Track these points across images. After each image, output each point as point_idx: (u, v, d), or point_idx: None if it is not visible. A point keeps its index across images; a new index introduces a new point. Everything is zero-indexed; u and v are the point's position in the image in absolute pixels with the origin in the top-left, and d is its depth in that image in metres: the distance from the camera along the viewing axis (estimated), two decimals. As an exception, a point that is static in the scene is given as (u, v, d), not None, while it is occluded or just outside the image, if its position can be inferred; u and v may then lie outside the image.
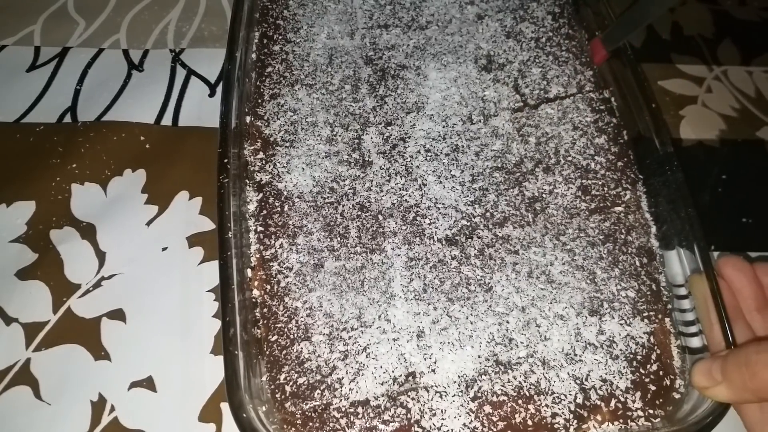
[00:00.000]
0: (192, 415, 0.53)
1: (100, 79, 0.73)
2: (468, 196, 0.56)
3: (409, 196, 0.56)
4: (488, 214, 0.55)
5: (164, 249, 0.61)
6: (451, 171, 0.57)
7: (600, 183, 0.56)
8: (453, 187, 0.56)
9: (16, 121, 0.69)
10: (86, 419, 0.52)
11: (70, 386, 0.54)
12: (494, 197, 0.56)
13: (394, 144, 0.59)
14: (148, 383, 0.54)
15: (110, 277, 0.59)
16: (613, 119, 0.59)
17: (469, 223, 0.54)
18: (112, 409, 0.53)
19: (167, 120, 0.69)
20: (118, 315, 0.57)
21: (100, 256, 0.60)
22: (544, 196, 0.56)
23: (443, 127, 0.60)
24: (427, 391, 0.47)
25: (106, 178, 0.65)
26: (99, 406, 0.53)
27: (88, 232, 0.62)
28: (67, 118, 0.70)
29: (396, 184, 0.56)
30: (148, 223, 0.62)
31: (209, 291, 0.58)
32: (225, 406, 0.53)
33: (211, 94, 0.72)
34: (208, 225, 0.62)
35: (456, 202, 0.55)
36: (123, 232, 0.62)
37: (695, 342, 0.50)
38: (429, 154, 0.58)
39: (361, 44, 0.66)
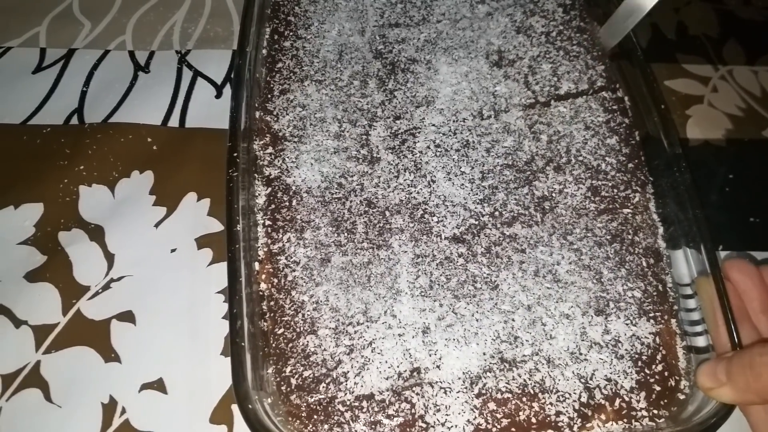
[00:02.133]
0: (203, 417, 0.53)
1: (107, 80, 0.73)
2: (477, 194, 0.56)
3: (418, 193, 0.56)
4: (497, 213, 0.55)
5: (173, 251, 0.61)
6: (461, 168, 0.57)
7: (610, 185, 0.56)
8: (462, 184, 0.56)
9: (22, 123, 0.70)
10: (97, 421, 0.53)
11: (81, 388, 0.54)
12: (504, 196, 0.56)
13: (403, 139, 0.59)
14: (159, 385, 0.54)
15: (119, 278, 0.59)
16: (626, 119, 0.59)
17: (477, 222, 0.54)
18: (123, 411, 0.53)
19: (174, 121, 0.70)
20: (127, 317, 0.57)
21: (109, 258, 0.61)
22: (554, 195, 0.56)
23: (453, 122, 0.59)
24: (432, 387, 0.48)
25: (113, 179, 0.66)
26: (110, 408, 0.53)
27: (96, 233, 0.62)
28: (74, 120, 0.70)
29: (404, 180, 0.56)
30: (157, 225, 0.63)
31: (218, 292, 0.58)
32: (236, 408, 0.52)
33: (218, 96, 0.72)
34: (217, 226, 0.62)
35: (465, 200, 0.55)
36: (131, 233, 0.62)
37: (700, 341, 0.50)
38: (439, 149, 0.58)
39: (371, 38, 0.66)
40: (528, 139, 0.58)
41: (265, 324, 0.51)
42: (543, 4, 0.66)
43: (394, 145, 0.58)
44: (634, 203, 0.56)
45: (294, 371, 0.48)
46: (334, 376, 0.48)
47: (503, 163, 0.57)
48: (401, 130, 0.59)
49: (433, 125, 0.59)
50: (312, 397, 0.47)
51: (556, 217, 0.55)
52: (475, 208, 0.55)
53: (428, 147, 0.58)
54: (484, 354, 0.49)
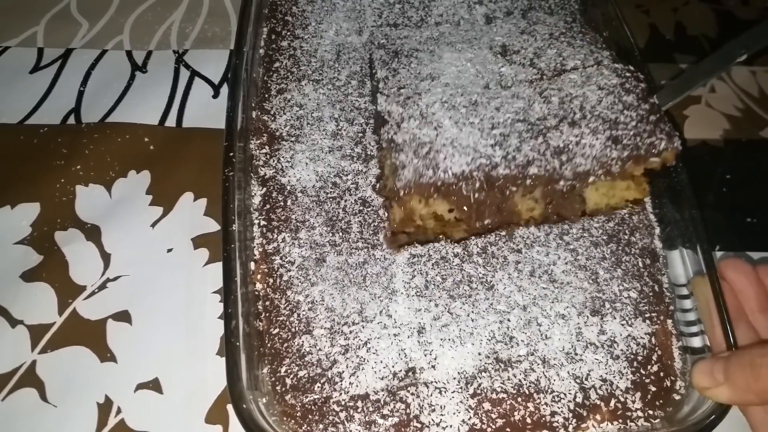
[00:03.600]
0: (198, 417, 0.53)
1: (104, 80, 0.74)
2: (488, 140, 0.51)
3: (424, 135, 0.52)
4: (510, 156, 0.51)
5: (169, 250, 0.61)
6: (469, 119, 0.53)
7: (632, 133, 0.52)
8: (471, 132, 0.52)
9: (20, 123, 0.70)
10: (93, 421, 0.53)
11: (76, 388, 0.54)
12: (517, 142, 0.51)
13: (407, 96, 0.55)
14: (155, 385, 0.54)
15: (115, 278, 0.60)
16: (641, 84, 0.55)
17: (488, 162, 0.50)
18: (119, 410, 0.53)
19: (171, 121, 0.70)
20: (123, 317, 0.57)
21: (105, 257, 0.61)
22: (570, 147, 0.52)
23: (460, 95, 0.56)
24: (427, 387, 0.48)
25: (110, 179, 0.66)
26: (105, 407, 0.53)
27: (92, 233, 0.62)
28: (71, 120, 0.70)
29: (409, 125, 0.53)
30: (153, 225, 0.63)
31: (214, 292, 0.59)
32: (232, 408, 0.53)
33: (215, 95, 0.72)
34: (213, 226, 0.63)
35: (475, 144, 0.51)
36: (128, 233, 0.62)
37: (696, 342, 0.50)
38: (446, 104, 0.54)
39: (372, 36, 0.65)
40: (538, 102, 0.54)
41: (260, 324, 0.51)
42: (545, 20, 0.65)
43: (399, 100, 0.55)
44: (660, 150, 0.51)
45: (289, 371, 0.48)
46: (329, 376, 0.48)
47: (514, 118, 0.53)
48: (407, 96, 0.56)
49: (439, 90, 0.56)
50: (307, 396, 0.47)
51: (575, 166, 0.51)
52: (486, 150, 0.51)
53: (434, 102, 0.54)
54: (480, 354, 0.49)
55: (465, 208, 0.52)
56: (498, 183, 0.51)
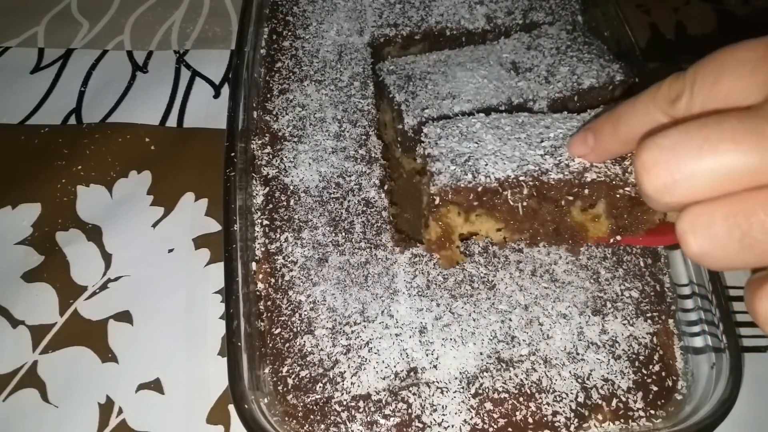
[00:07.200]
0: (200, 417, 0.53)
1: (105, 80, 0.74)
2: (537, 150, 0.44)
3: (463, 147, 0.46)
4: (563, 164, 0.43)
5: (170, 251, 0.61)
6: (515, 135, 0.46)
7: None
8: (517, 145, 0.45)
9: (20, 123, 0.70)
10: (94, 422, 0.53)
11: (78, 389, 0.54)
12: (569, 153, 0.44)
13: (444, 123, 0.49)
14: (156, 385, 0.54)
15: (117, 279, 0.60)
16: None
17: (538, 168, 0.42)
18: (120, 411, 0.53)
19: (172, 121, 0.70)
20: (124, 317, 0.58)
21: (106, 257, 0.61)
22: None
23: (482, 107, 0.56)
24: (429, 387, 0.47)
25: (111, 179, 0.66)
26: (107, 408, 0.53)
27: (93, 233, 0.62)
28: (72, 120, 0.70)
29: (448, 141, 0.46)
30: (154, 225, 0.63)
31: (216, 293, 0.59)
32: (233, 408, 0.53)
33: (216, 95, 0.72)
34: (214, 226, 0.63)
35: (522, 154, 0.44)
36: (129, 233, 0.62)
37: (698, 342, 0.50)
38: (488, 125, 0.48)
39: (378, 58, 0.65)
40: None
41: (262, 324, 0.51)
42: (546, 30, 0.65)
43: (438, 124, 0.49)
44: None
45: (291, 371, 0.48)
46: (331, 376, 0.48)
47: (566, 134, 0.45)
48: (432, 116, 0.56)
49: (464, 113, 0.56)
50: (309, 396, 0.47)
51: None
52: (535, 159, 0.43)
53: (475, 123, 0.48)
54: (481, 354, 0.49)
55: (512, 223, 0.45)
56: (551, 192, 0.43)
